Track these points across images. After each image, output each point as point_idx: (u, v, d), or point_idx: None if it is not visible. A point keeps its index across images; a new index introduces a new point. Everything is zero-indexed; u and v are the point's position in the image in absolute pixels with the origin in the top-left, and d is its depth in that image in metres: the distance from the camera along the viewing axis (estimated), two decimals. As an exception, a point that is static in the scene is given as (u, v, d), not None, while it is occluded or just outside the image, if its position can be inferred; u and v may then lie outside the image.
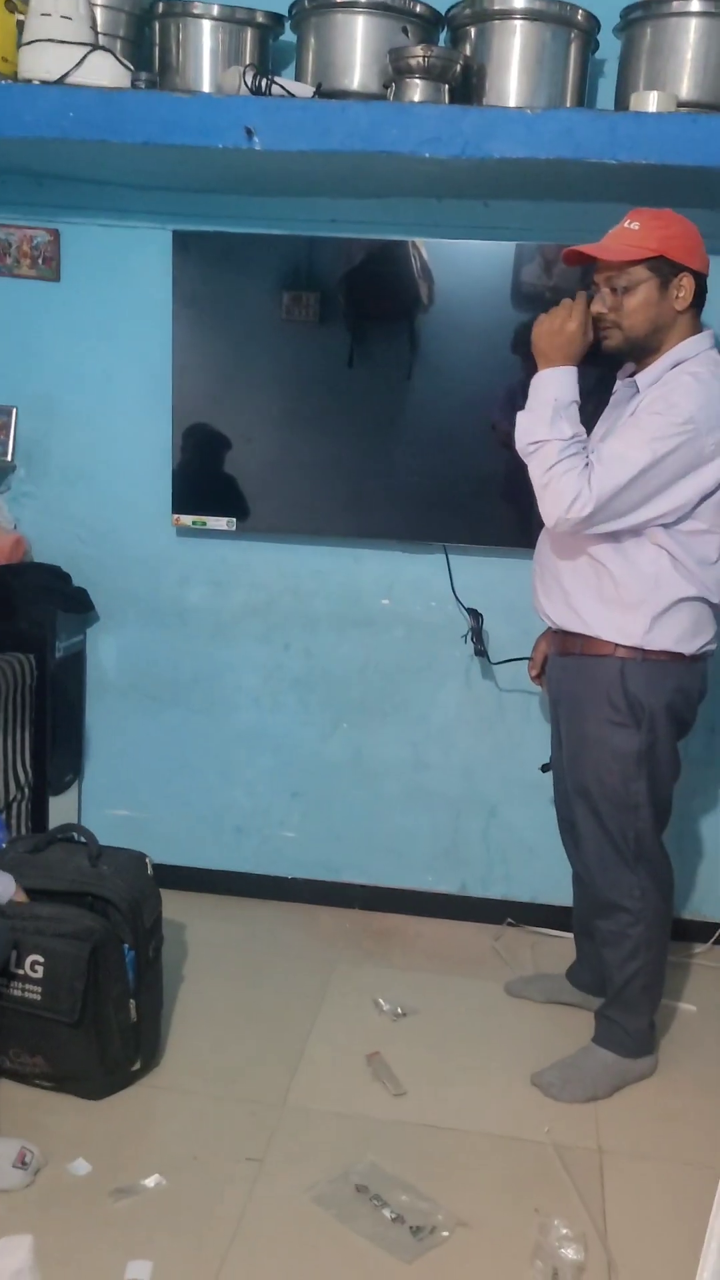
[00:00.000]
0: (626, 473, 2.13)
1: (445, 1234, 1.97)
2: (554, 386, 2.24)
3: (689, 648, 2.28)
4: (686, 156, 2.31)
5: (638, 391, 2.28)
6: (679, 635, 2.27)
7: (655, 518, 2.18)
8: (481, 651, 2.94)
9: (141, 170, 2.73)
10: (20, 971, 2.17)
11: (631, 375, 2.33)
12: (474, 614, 2.94)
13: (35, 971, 2.17)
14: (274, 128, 2.40)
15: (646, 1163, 2.22)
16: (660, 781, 2.36)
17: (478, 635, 2.93)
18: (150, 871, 2.42)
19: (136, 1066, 2.35)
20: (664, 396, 2.17)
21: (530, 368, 2.79)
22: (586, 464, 2.17)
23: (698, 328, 2.27)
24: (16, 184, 2.93)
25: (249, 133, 2.40)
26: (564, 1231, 1.96)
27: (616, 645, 2.27)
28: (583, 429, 2.25)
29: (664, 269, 2.19)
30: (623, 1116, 2.36)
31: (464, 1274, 1.90)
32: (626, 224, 2.21)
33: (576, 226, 2.57)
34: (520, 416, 2.28)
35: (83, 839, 2.41)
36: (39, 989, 2.17)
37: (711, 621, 2.32)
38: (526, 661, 2.68)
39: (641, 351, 2.27)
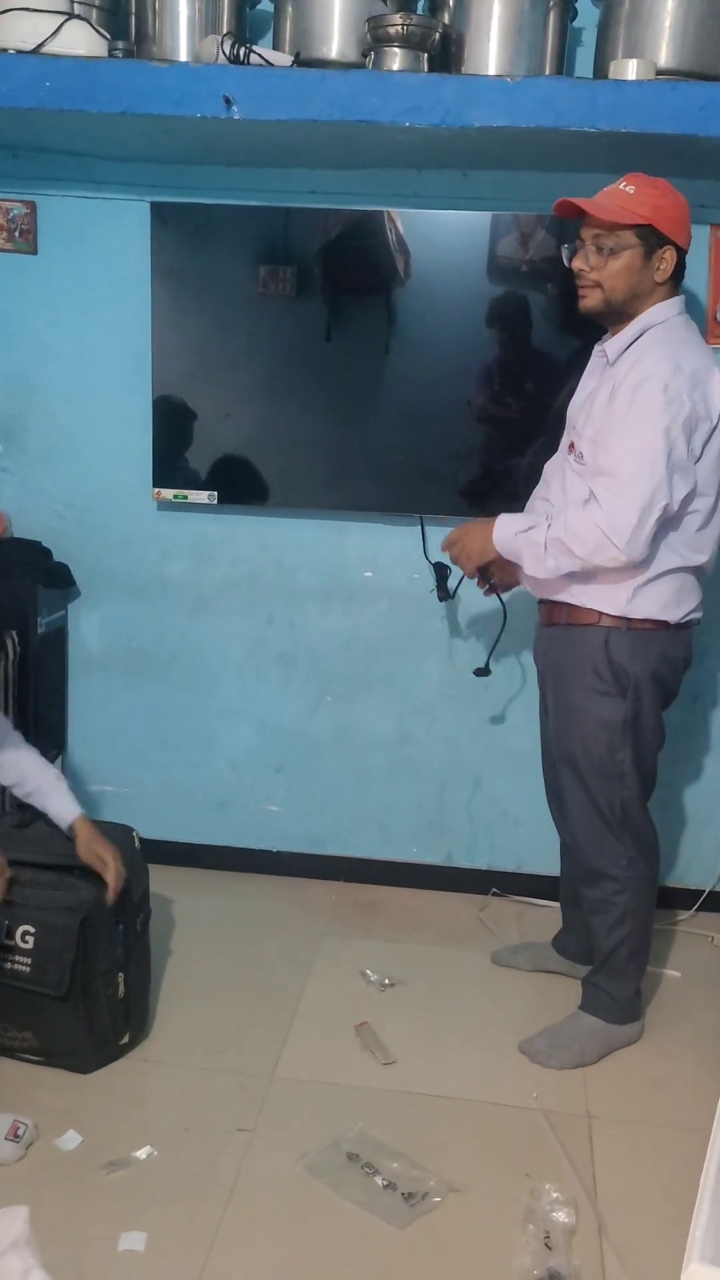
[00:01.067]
0: (647, 490, 2.13)
1: (437, 1200, 1.99)
2: (502, 533, 2.33)
3: (673, 616, 2.29)
4: (666, 125, 2.30)
5: (608, 360, 2.28)
6: (663, 603, 2.27)
7: (692, 489, 2.19)
8: (446, 597, 2.90)
9: (119, 141, 2.70)
10: (10, 942, 2.18)
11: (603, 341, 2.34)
12: (440, 566, 2.91)
13: (25, 942, 2.18)
14: (252, 97, 2.37)
15: (635, 1127, 2.25)
16: (645, 750, 2.37)
17: (443, 585, 2.89)
18: (138, 845, 2.43)
19: (125, 1040, 2.36)
20: (635, 382, 2.15)
21: (505, 342, 2.80)
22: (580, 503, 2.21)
23: (671, 295, 2.27)
24: (-9, 156, 2.90)
25: (227, 102, 2.37)
26: (554, 1195, 1.99)
27: (601, 614, 2.28)
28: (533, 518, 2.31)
29: (651, 239, 2.19)
30: (611, 1082, 2.38)
31: (457, 1239, 1.92)
32: (622, 185, 2.20)
33: (556, 197, 2.56)
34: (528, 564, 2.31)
35: None
36: (28, 960, 2.18)
37: (696, 589, 2.33)
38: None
39: (616, 316, 2.28)
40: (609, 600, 2.27)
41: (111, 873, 2.24)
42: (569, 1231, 1.92)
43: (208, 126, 2.44)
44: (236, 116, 2.38)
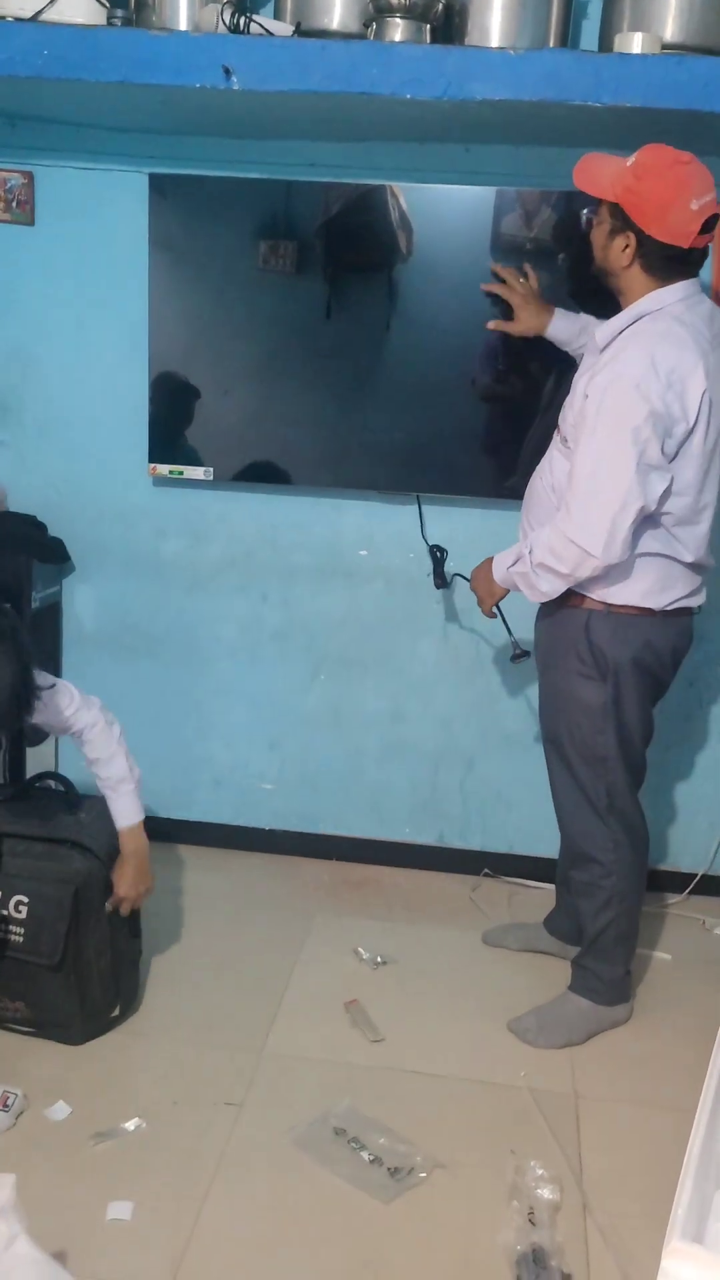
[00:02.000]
0: (618, 494, 2.12)
1: (423, 1175, 2.00)
2: (499, 573, 2.38)
3: (656, 603, 2.27)
4: (671, 100, 2.27)
5: (596, 345, 2.26)
6: (644, 590, 2.25)
7: (669, 487, 2.17)
8: (443, 584, 2.90)
9: (118, 111, 2.68)
10: (4, 912, 2.18)
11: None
12: (436, 549, 2.90)
13: (19, 912, 2.18)
14: (252, 67, 2.35)
15: (621, 1106, 2.25)
16: (628, 736, 2.36)
17: (439, 570, 2.89)
18: None
19: (116, 1013, 2.36)
20: (608, 381, 2.13)
21: (508, 321, 2.76)
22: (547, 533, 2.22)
23: (668, 281, 2.19)
24: (-11, 125, 2.87)
25: (227, 72, 2.35)
26: (540, 1173, 2.00)
27: (584, 597, 2.27)
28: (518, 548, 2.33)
29: (617, 219, 2.17)
30: (598, 1062, 2.39)
31: (442, 1214, 1.93)
32: (630, 157, 2.15)
33: (559, 172, 2.53)
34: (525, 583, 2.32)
35: (61, 786, 2.40)
36: (21, 930, 2.18)
37: (685, 578, 2.29)
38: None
39: (609, 286, 2.28)
40: (593, 584, 2.26)
41: (121, 896, 2.28)
42: (553, 1208, 1.93)
43: (207, 97, 2.42)
44: (236, 87, 2.35)
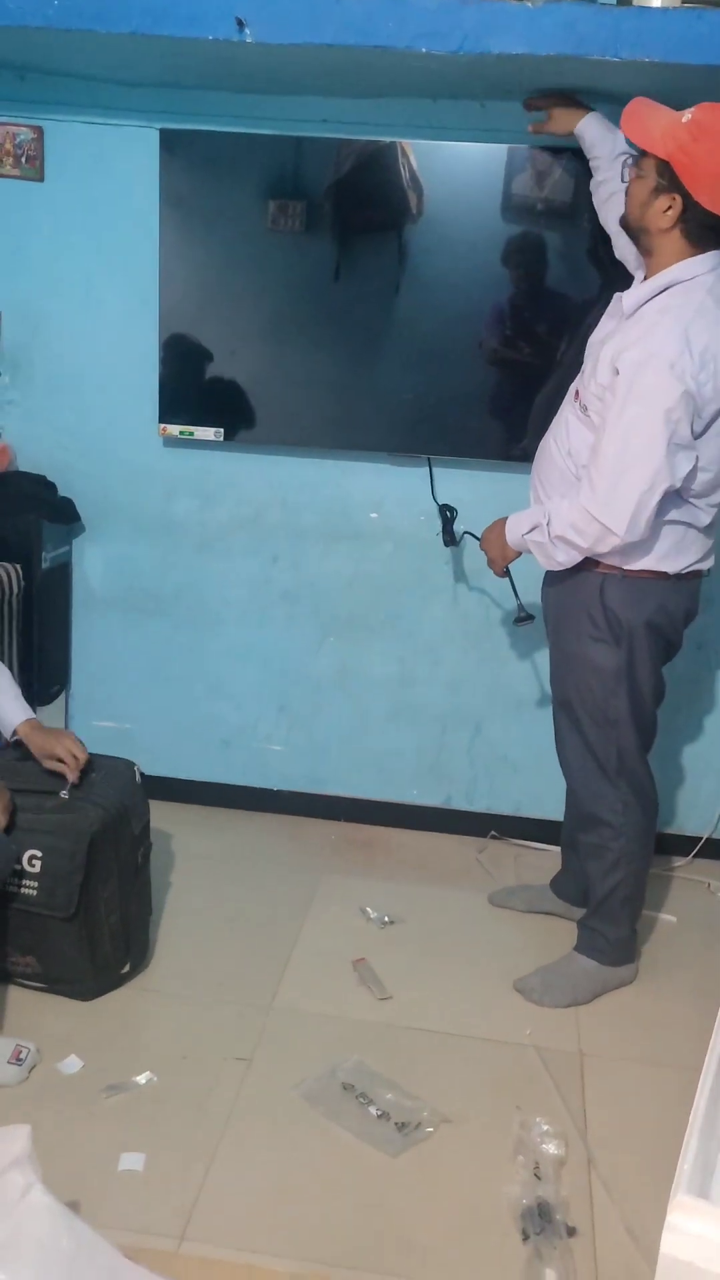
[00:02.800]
0: (647, 474, 2.10)
1: (429, 1130, 2.03)
2: (512, 537, 2.35)
3: (671, 566, 2.27)
4: (690, 54, 2.23)
5: (623, 312, 2.21)
6: (660, 554, 2.25)
7: (694, 466, 2.15)
8: (452, 542, 2.90)
9: (128, 64, 2.64)
10: (18, 866, 2.20)
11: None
12: (446, 509, 2.90)
13: (33, 866, 2.20)
14: (266, 19, 2.31)
15: (626, 1064, 2.28)
16: (640, 699, 2.36)
17: (449, 529, 2.89)
18: (139, 779, 2.44)
19: (126, 969, 2.39)
20: (641, 358, 2.08)
21: (519, 282, 2.74)
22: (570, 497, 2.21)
23: (703, 249, 2.15)
24: (-1, 78, 2.84)
25: (240, 24, 2.31)
26: (545, 1128, 2.02)
27: (598, 561, 2.26)
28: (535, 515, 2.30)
29: (664, 177, 2.09)
30: (603, 1021, 2.41)
31: (448, 1167, 1.96)
32: (686, 112, 2.07)
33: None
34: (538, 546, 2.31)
35: None
36: (35, 884, 2.20)
37: (699, 542, 2.29)
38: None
39: (637, 243, 2.23)
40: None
41: (69, 763, 2.28)
42: (558, 1163, 1.96)
43: (219, 50, 2.38)
44: (249, 39, 2.32)
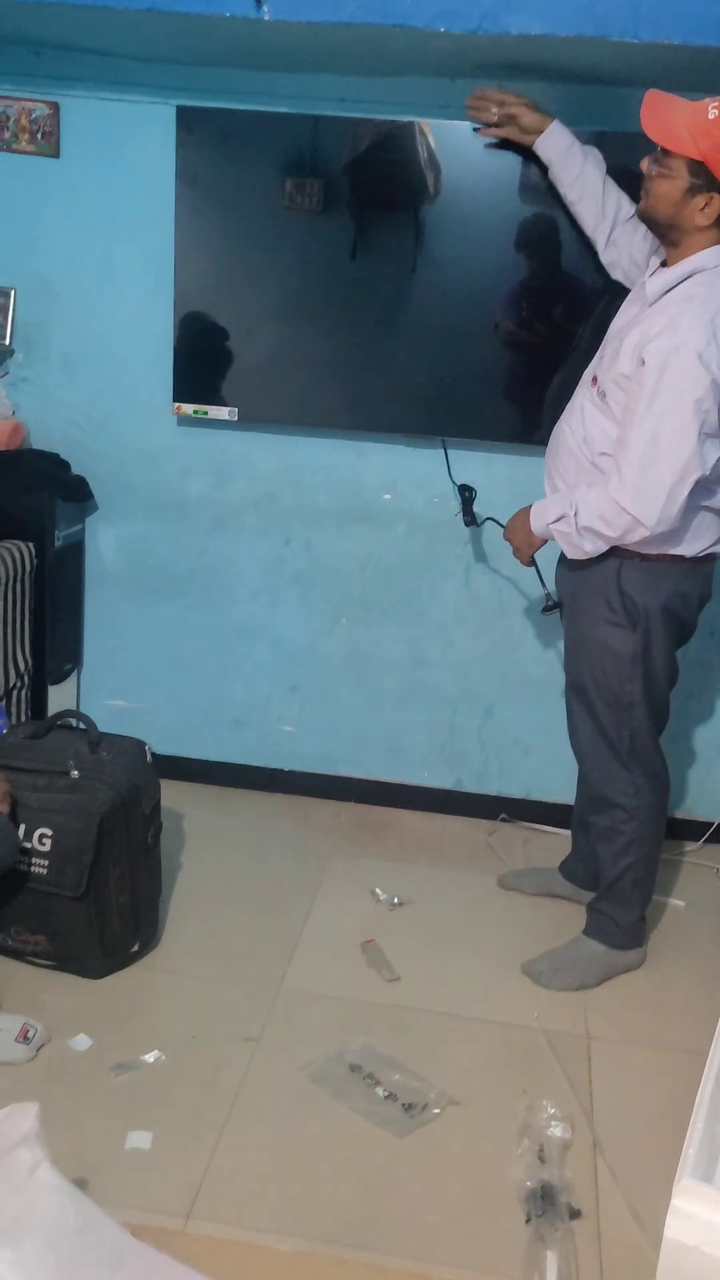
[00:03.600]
0: (678, 465, 2.10)
1: (436, 1111, 2.04)
2: (537, 525, 2.34)
3: (689, 550, 2.26)
4: (713, 36, 2.20)
5: (647, 299, 2.20)
6: (678, 538, 2.24)
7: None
8: (472, 522, 2.89)
9: (144, 40, 2.62)
10: (29, 845, 2.21)
11: (652, 273, 2.27)
12: (465, 489, 2.88)
13: (43, 845, 2.22)
14: (283, -3, 2.30)
15: (632, 1048, 2.29)
16: (655, 683, 2.37)
17: (469, 509, 2.88)
18: (149, 759, 2.45)
19: (135, 948, 2.40)
20: (668, 348, 2.06)
21: (536, 265, 2.72)
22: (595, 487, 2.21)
23: None
24: (14, 54, 2.81)
25: (258, 1, 2.29)
26: (551, 1111, 2.03)
27: (618, 546, 2.25)
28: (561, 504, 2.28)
29: (700, 177, 2.07)
30: (611, 1005, 2.42)
31: (454, 1149, 1.97)
32: (712, 104, 2.03)
33: (595, 112, 2.50)
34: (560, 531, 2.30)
35: (82, 725, 2.42)
36: (45, 863, 2.22)
37: (715, 525, 2.28)
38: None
39: (661, 234, 2.21)
40: None
41: None
42: (564, 1146, 1.97)
43: (236, 27, 2.36)
44: (267, 17, 2.30)
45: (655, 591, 2.28)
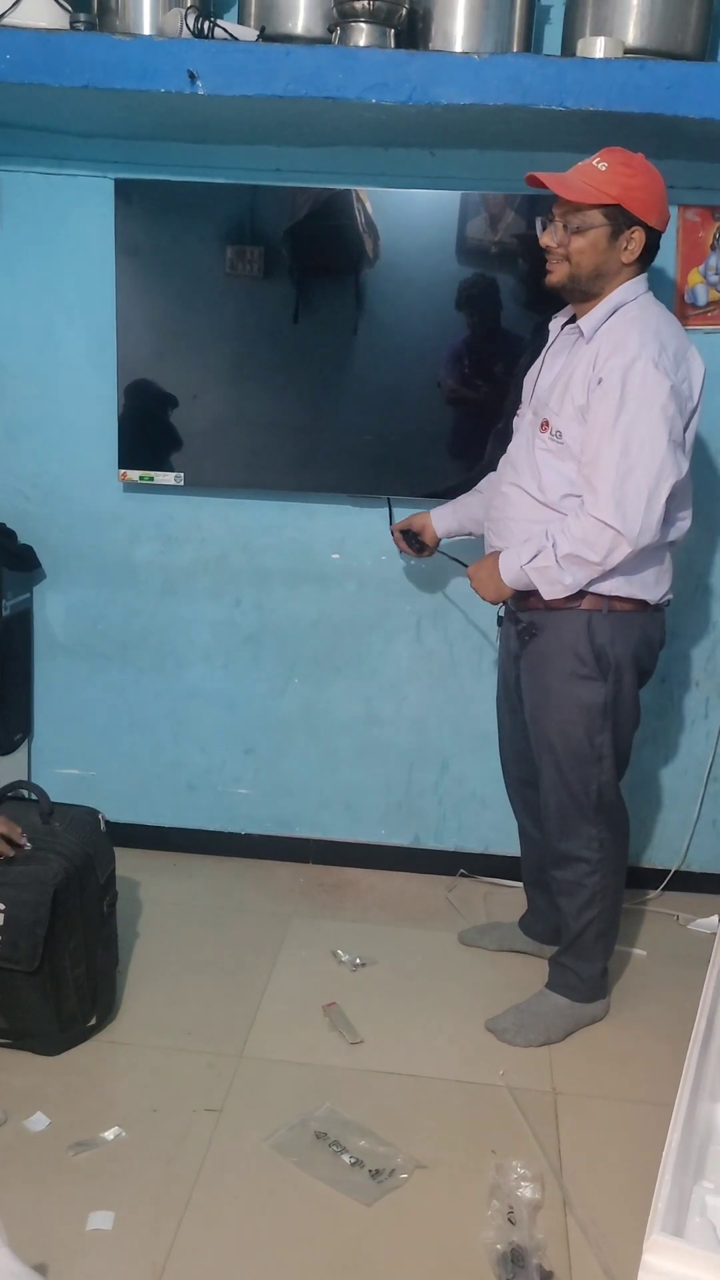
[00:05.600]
0: (653, 470, 2.13)
1: (404, 1176, 2.01)
2: (509, 573, 2.29)
3: (653, 595, 2.28)
4: (634, 104, 2.29)
5: (582, 336, 2.25)
6: (645, 583, 2.26)
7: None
8: (420, 551, 2.79)
9: (82, 116, 2.67)
10: None
11: (571, 320, 2.33)
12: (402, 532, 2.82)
13: None
14: (217, 72, 2.35)
15: (599, 1102, 2.27)
16: (623, 732, 2.37)
17: (411, 540, 2.76)
18: (103, 827, 2.42)
19: (92, 1022, 2.35)
20: (624, 363, 2.12)
21: (475, 323, 2.79)
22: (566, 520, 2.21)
23: (639, 274, 2.26)
24: (-48, 130, 2.85)
25: (191, 77, 2.35)
26: (520, 1171, 2.00)
27: (582, 596, 2.25)
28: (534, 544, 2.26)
29: (619, 218, 2.17)
30: (576, 1058, 2.40)
31: (423, 1214, 1.93)
32: (595, 162, 2.17)
33: (519, 177, 2.55)
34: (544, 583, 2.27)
35: (34, 796, 2.39)
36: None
37: (670, 570, 2.32)
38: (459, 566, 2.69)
39: (582, 294, 2.26)
40: (592, 581, 2.24)
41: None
42: (534, 1206, 1.94)
43: (172, 101, 2.42)
44: (201, 92, 2.35)
45: (625, 641, 2.28)
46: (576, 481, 2.22)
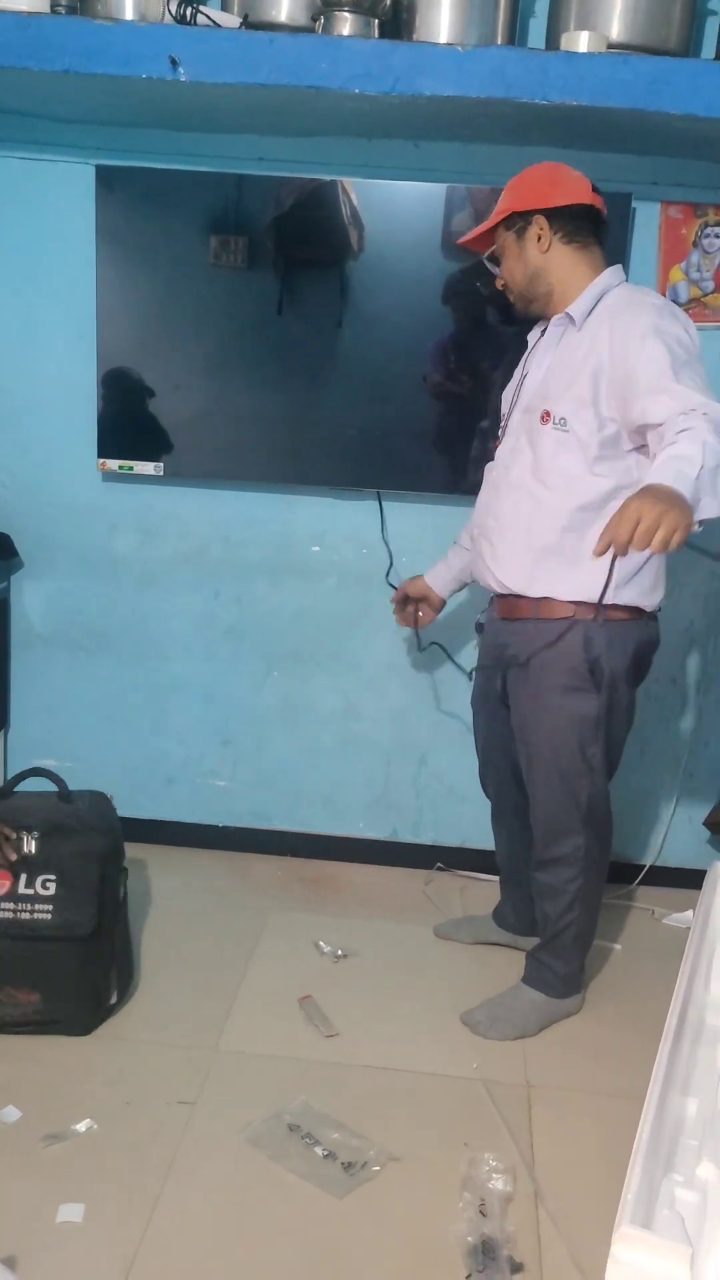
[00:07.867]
0: (699, 368, 2.08)
1: (376, 1169, 2.00)
2: (689, 485, 1.82)
3: (649, 602, 2.27)
4: (616, 99, 2.30)
5: (573, 323, 2.22)
6: (642, 590, 2.24)
7: None
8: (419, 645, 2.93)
9: (63, 101, 2.65)
10: (29, 892, 2.19)
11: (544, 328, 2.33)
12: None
13: (46, 889, 2.20)
14: (199, 58, 2.34)
15: (572, 1095, 2.27)
16: (615, 740, 2.35)
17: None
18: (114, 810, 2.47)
19: (114, 1000, 2.39)
20: (641, 322, 2.09)
21: (460, 317, 2.79)
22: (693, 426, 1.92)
23: (600, 259, 2.24)
24: (-68, 115, 2.83)
25: (173, 63, 2.33)
26: (492, 1164, 2.00)
27: (576, 605, 2.22)
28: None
29: (515, 221, 2.23)
30: (550, 1052, 2.40)
31: (394, 1207, 1.93)
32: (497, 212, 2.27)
33: (508, 169, 2.53)
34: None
35: (52, 782, 2.39)
36: (49, 907, 2.19)
37: (664, 575, 2.29)
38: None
39: (541, 302, 2.28)
40: (589, 589, 2.16)
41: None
42: (505, 1199, 1.94)
43: (154, 88, 2.40)
44: (183, 78, 2.34)
45: (621, 652, 2.26)
46: (585, 477, 2.17)
